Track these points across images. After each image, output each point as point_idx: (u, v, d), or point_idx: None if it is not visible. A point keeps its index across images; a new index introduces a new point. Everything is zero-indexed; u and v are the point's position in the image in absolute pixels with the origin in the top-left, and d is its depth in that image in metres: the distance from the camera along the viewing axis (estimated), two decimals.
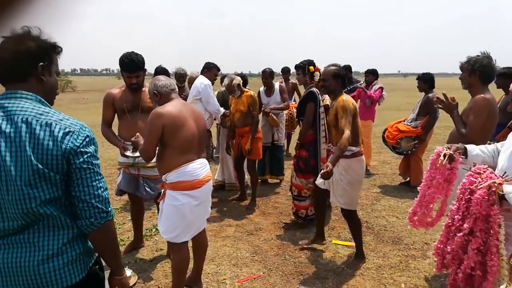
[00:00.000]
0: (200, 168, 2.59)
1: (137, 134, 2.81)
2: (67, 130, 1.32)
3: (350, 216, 3.36)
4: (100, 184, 1.39)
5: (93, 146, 1.40)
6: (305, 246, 3.72)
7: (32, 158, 1.25)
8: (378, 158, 7.52)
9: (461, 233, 1.96)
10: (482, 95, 2.84)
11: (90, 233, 1.40)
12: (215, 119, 5.28)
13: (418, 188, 2.37)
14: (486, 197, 1.86)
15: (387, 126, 5.69)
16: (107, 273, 1.59)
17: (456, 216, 2.04)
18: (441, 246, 2.15)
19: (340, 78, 3.23)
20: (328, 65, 3.34)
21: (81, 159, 1.34)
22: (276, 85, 5.81)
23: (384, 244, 3.81)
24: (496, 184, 1.83)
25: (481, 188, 1.85)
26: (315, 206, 3.76)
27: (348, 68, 6.39)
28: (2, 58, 1.32)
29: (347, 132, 3.02)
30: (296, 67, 4.25)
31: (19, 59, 1.33)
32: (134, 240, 3.73)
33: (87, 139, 1.37)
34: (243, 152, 4.79)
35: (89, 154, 1.36)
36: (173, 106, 2.51)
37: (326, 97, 4.13)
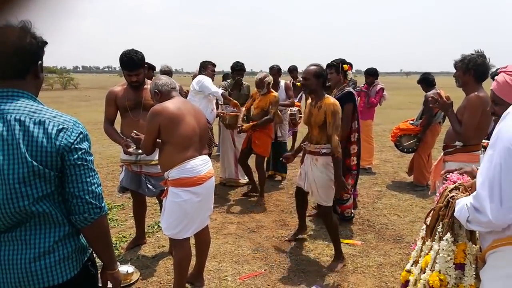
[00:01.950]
0: (202, 164, 2.61)
1: (134, 131, 2.84)
2: (60, 127, 1.32)
3: (329, 214, 3.32)
4: (94, 180, 1.40)
5: (86, 142, 1.40)
6: (290, 238, 3.84)
7: (27, 155, 1.26)
8: (380, 156, 7.52)
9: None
10: (476, 93, 2.86)
11: (84, 228, 1.41)
12: (217, 116, 5.34)
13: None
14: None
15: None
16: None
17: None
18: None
19: (322, 77, 3.24)
20: (310, 65, 3.33)
21: (75, 156, 1.34)
22: (282, 82, 5.87)
23: (385, 242, 3.82)
24: (454, 197, 1.73)
25: (438, 202, 1.81)
26: (296, 203, 3.79)
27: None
28: (1, 53, 1.30)
29: (335, 139, 3.11)
30: (329, 65, 4.17)
31: (22, 55, 1.32)
32: (136, 236, 3.75)
33: (81, 136, 1.38)
34: (252, 145, 4.94)
35: (83, 151, 1.37)
36: (171, 103, 2.55)
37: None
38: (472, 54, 2.86)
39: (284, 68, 8.64)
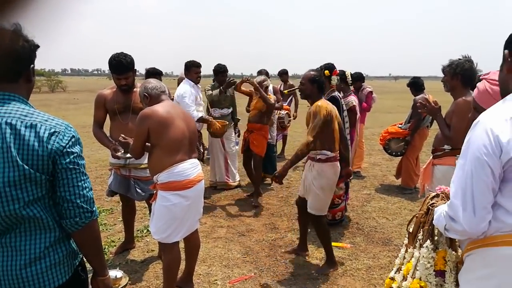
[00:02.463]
0: (191, 168, 2.60)
1: (122, 135, 2.84)
2: (52, 130, 1.32)
3: (318, 222, 3.27)
4: (86, 184, 1.40)
5: (78, 146, 1.39)
6: (289, 251, 3.70)
7: (18, 159, 1.24)
8: (369, 160, 7.59)
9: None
10: (463, 98, 2.91)
11: (74, 232, 1.40)
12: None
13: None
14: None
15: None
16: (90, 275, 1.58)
17: None
18: None
19: (317, 83, 3.22)
20: (309, 70, 3.33)
21: (67, 160, 1.34)
22: (270, 86, 5.89)
23: (374, 245, 3.85)
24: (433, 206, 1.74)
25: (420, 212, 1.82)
26: (298, 217, 3.65)
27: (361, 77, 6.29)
28: None
29: (308, 138, 3.03)
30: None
31: (15, 59, 1.31)
32: (125, 241, 3.72)
33: (73, 140, 1.37)
34: (250, 146, 5.08)
35: (75, 155, 1.36)
36: (161, 107, 2.55)
37: (352, 98, 4.37)
38: (460, 59, 2.92)
39: (274, 72, 8.67)
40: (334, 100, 3.90)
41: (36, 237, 1.33)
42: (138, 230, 4.06)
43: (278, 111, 5.98)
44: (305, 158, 3.34)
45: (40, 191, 1.31)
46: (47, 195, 1.34)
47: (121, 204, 3.75)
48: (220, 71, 5.38)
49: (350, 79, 4.67)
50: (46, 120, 1.33)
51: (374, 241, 3.94)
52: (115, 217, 4.50)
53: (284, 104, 6.66)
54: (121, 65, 3.05)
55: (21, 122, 1.28)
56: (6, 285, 1.29)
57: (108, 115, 3.30)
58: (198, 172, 2.67)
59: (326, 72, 4.00)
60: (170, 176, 2.51)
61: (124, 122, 3.21)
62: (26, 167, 1.26)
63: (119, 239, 3.90)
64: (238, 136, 5.84)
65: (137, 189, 3.30)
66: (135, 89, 3.22)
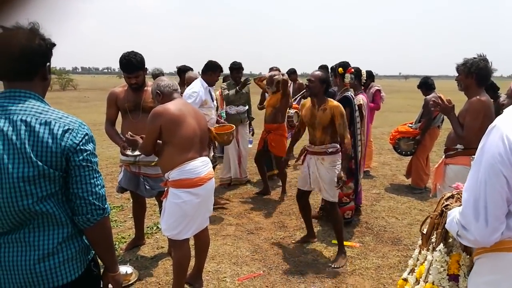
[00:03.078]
0: (202, 166, 2.62)
1: (129, 133, 2.86)
2: (66, 127, 1.34)
3: (336, 208, 3.50)
4: (98, 182, 1.42)
5: (91, 144, 1.41)
6: (298, 241, 3.88)
7: (32, 155, 1.27)
8: (378, 159, 7.54)
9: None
10: (477, 97, 2.88)
11: (86, 229, 1.42)
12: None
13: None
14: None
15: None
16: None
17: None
18: None
19: (325, 83, 3.38)
20: (317, 69, 3.50)
21: (81, 157, 1.36)
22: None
23: (384, 245, 3.83)
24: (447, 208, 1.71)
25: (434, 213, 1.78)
26: (299, 208, 3.82)
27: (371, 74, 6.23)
28: (10, 54, 1.30)
29: (348, 137, 3.35)
30: (330, 69, 4.52)
31: (31, 57, 1.32)
32: (135, 237, 3.76)
33: (86, 137, 1.39)
34: (269, 148, 5.12)
35: (88, 152, 1.38)
36: (173, 105, 2.57)
37: (360, 97, 4.37)
38: (475, 57, 2.87)
39: (283, 71, 8.67)
40: (346, 100, 3.96)
41: (49, 232, 1.35)
42: (148, 227, 4.10)
43: (288, 110, 5.99)
44: (303, 154, 3.61)
45: (54, 187, 1.34)
46: (60, 191, 1.37)
47: (131, 201, 3.78)
48: (235, 68, 5.45)
49: (365, 77, 4.68)
50: (61, 118, 1.35)
51: (384, 241, 3.92)
52: (125, 214, 4.54)
53: (294, 103, 6.67)
54: (131, 64, 3.07)
55: (36, 119, 1.30)
56: (20, 279, 1.32)
57: (120, 113, 3.34)
58: (208, 170, 2.68)
59: (340, 69, 4.06)
60: (181, 173, 2.53)
61: (134, 120, 3.24)
62: (40, 163, 1.28)
63: (129, 235, 3.94)
64: (252, 134, 5.87)
65: (146, 186, 3.33)
66: (146, 88, 3.25)
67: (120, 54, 3.13)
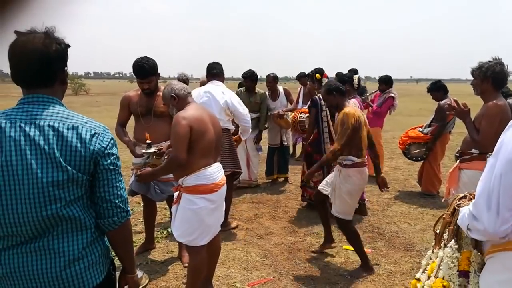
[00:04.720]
0: (216, 172, 2.63)
1: (147, 134, 2.89)
2: (93, 132, 1.35)
3: (345, 227, 3.34)
4: (122, 185, 1.44)
5: (116, 148, 1.44)
6: (316, 251, 3.74)
7: (61, 160, 1.28)
8: (390, 164, 7.47)
9: None
10: (494, 101, 2.82)
11: (111, 231, 1.44)
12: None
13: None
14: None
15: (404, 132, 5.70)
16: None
17: None
18: None
19: (334, 91, 3.28)
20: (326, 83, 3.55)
21: (108, 161, 1.38)
22: (280, 89, 6.01)
23: (396, 251, 3.78)
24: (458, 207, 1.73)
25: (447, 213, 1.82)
26: (319, 212, 3.78)
27: (354, 71, 6.46)
28: (28, 60, 1.29)
29: (336, 146, 3.15)
30: (307, 75, 5.06)
31: (50, 63, 1.32)
32: (145, 241, 3.76)
33: (112, 141, 1.41)
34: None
35: (115, 156, 1.41)
36: (194, 110, 2.56)
37: (352, 101, 4.38)
38: (490, 61, 2.82)
39: (294, 74, 8.71)
40: (314, 103, 4.64)
41: (73, 238, 1.35)
42: (158, 231, 4.11)
43: (299, 114, 5.97)
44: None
45: (80, 191, 1.35)
46: (85, 194, 1.38)
47: (141, 204, 3.80)
48: (245, 76, 5.51)
49: (357, 82, 4.68)
50: (86, 122, 1.37)
51: (396, 247, 3.87)
52: (135, 218, 4.56)
53: (304, 107, 6.67)
54: (143, 69, 3.11)
55: (63, 124, 1.31)
56: (47, 286, 1.32)
57: (133, 116, 3.38)
58: (222, 176, 2.68)
59: (317, 75, 4.73)
60: (198, 179, 2.52)
61: (146, 124, 3.27)
62: (69, 167, 1.29)
63: (139, 239, 3.95)
64: (256, 143, 5.77)
65: (156, 189, 3.35)
66: (158, 93, 3.26)
67: (131, 59, 3.18)
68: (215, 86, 3.95)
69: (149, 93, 3.24)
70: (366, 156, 3.31)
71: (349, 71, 6.01)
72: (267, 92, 5.98)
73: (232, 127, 4.13)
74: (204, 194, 2.54)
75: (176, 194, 2.70)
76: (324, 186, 3.50)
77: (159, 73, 3.23)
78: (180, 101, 2.63)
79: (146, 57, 3.15)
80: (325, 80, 4.57)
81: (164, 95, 2.70)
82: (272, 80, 5.89)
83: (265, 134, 6.11)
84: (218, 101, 3.81)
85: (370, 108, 6.25)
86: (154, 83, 3.22)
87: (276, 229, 4.31)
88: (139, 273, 3.09)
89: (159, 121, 3.26)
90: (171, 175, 3.01)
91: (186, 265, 3.25)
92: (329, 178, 3.51)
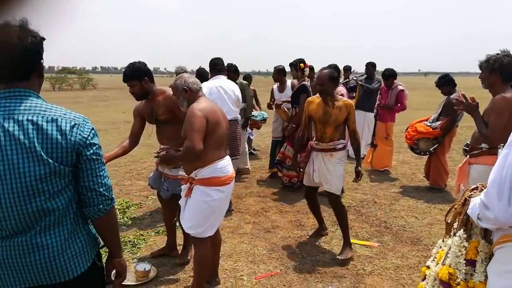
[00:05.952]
0: (228, 165, 2.70)
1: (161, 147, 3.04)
2: (73, 123, 1.35)
3: (339, 201, 3.59)
4: (106, 174, 1.46)
5: (97, 137, 1.45)
6: (311, 235, 3.96)
7: (42, 153, 1.28)
8: (397, 157, 7.43)
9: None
10: (502, 95, 2.77)
11: (96, 219, 1.46)
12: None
13: None
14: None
15: (409, 126, 5.60)
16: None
17: None
18: None
19: (336, 79, 3.43)
20: (322, 69, 3.54)
21: (91, 151, 1.39)
22: (288, 82, 5.97)
23: (403, 245, 3.77)
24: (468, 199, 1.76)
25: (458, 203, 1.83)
26: (308, 204, 3.94)
27: (373, 65, 6.81)
28: (4, 54, 1.29)
29: (356, 130, 3.51)
30: (290, 64, 5.34)
31: (26, 56, 1.31)
32: (166, 246, 3.57)
33: (93, 131, 1.42)
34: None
35: (97, 146, 1.42)
36: (207, 103, 2.62)
37: (339, 88, 4.78)
38: (498, 54, 2.77)
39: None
40: (303, 88, 4.99)
41: (55, 231, 1.37)
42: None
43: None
44: (308, 150, 3.66)
45: (64, 182, 1.36)
46: (69, 185, 1.39)
47: (149, 198, 3.81)
48: (230, 69, 5.64)
49: (342, 73, 4.85)
50: (65, 114, 1.37)
51: (403, 240, 3.86)
52: (143, 211, 4.59)
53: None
54: (124, 73, 3.08)
55: (42, 117, 1.31)
56: (32, 278, 1.36)
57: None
58: (232, 169, 2.76)
59: (301, 65, 5.11)
60: (212, 171, 2.58)
61: (157, 129, 3.28)
62: (50, 160, 1.30)
63: (147, 233, 3.98)
64: (245, 129, 6.06)
65: (164, 186, 3.35)
66: (158, 98, 3.13)
67: (139, 54, 3.17)
68: (224, 81, 4.60)
69: (138, 98, 3.17)
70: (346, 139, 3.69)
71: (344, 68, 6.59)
72: (275, 85, 6.05)
73: (239, 117, 4.80)
74: (217, 186, 2.60)
75: (184, 187, 2.75)
76: (311, 179, 3.64)
77: (146, 78, 3.06)
78: (192, 94, 2.68)
79: (136, 61, 3.08)
80: (306, 70, 5.16)
81: (176, 87, 2.70)
82: (277, 72, 5.89)
83: (269, 128, 6.13)
84: (230, 94, 4.52)
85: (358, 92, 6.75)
86: (137, 88, 3.07)
87: (283, 223, 4.32)
88: (147, 266, 3.14)
89: (164, 126, 3.22)
90: (178, 173, 3.11)
91: (185, 259, 3.35)
92: (309, 170, 3.64)
